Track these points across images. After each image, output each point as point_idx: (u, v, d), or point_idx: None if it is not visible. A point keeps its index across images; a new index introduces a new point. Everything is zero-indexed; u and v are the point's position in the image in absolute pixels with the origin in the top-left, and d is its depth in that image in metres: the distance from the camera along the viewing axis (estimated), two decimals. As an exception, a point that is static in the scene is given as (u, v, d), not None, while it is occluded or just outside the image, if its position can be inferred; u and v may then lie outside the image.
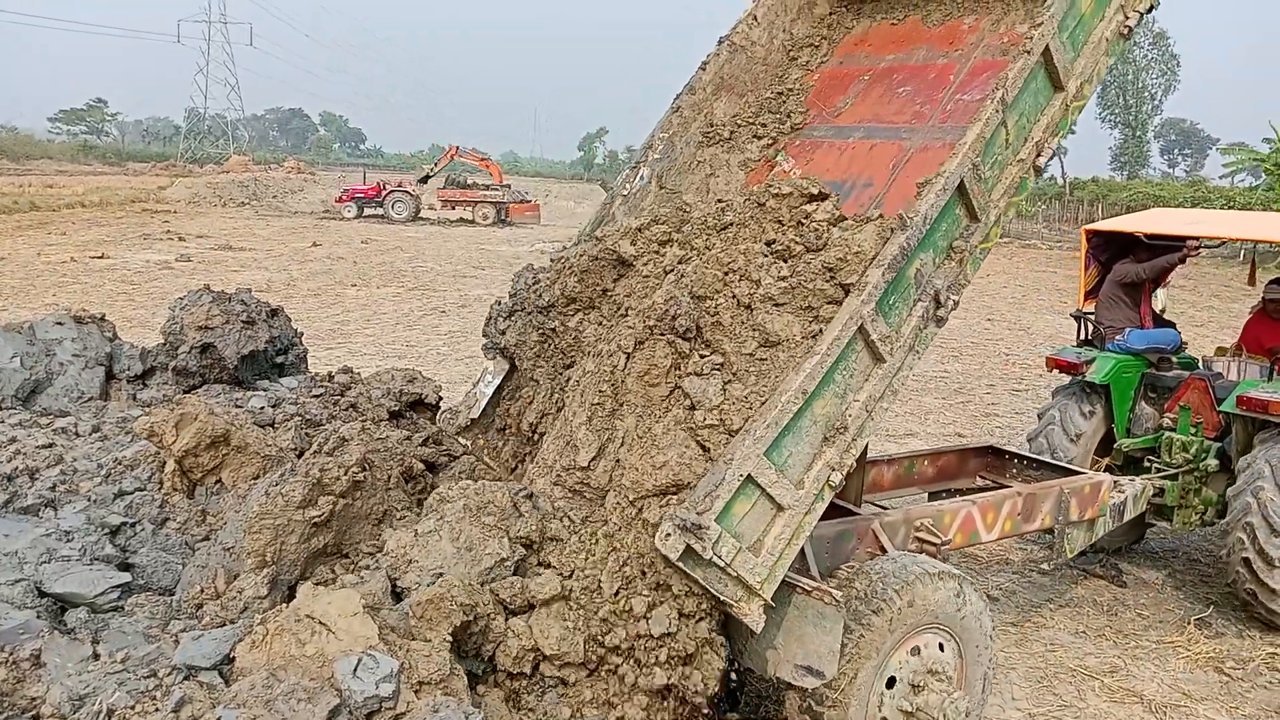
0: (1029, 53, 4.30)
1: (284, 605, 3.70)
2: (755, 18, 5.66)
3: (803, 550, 4.18)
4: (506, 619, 3.77)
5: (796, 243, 4.31)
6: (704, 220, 4.65)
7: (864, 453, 4.97)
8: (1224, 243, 9.39)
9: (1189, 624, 6.65)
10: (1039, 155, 4.52)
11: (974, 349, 16.79)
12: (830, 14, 5.92)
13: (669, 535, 3.60)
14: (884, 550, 4.72)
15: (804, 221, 4.36)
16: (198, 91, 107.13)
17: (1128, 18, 4.73)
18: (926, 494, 6.43)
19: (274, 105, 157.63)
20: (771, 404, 3.81)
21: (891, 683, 4.26)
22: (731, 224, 4.54)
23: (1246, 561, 6.38)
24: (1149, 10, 4.86)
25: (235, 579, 4.13)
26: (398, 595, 3.97)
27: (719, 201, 4.84)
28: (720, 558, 3.64)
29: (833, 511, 4.62)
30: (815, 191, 4.46)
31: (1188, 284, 26.93)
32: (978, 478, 6.63)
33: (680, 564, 3.64)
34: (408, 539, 3.96)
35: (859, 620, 4.12)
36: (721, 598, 3.74)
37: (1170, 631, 6.55)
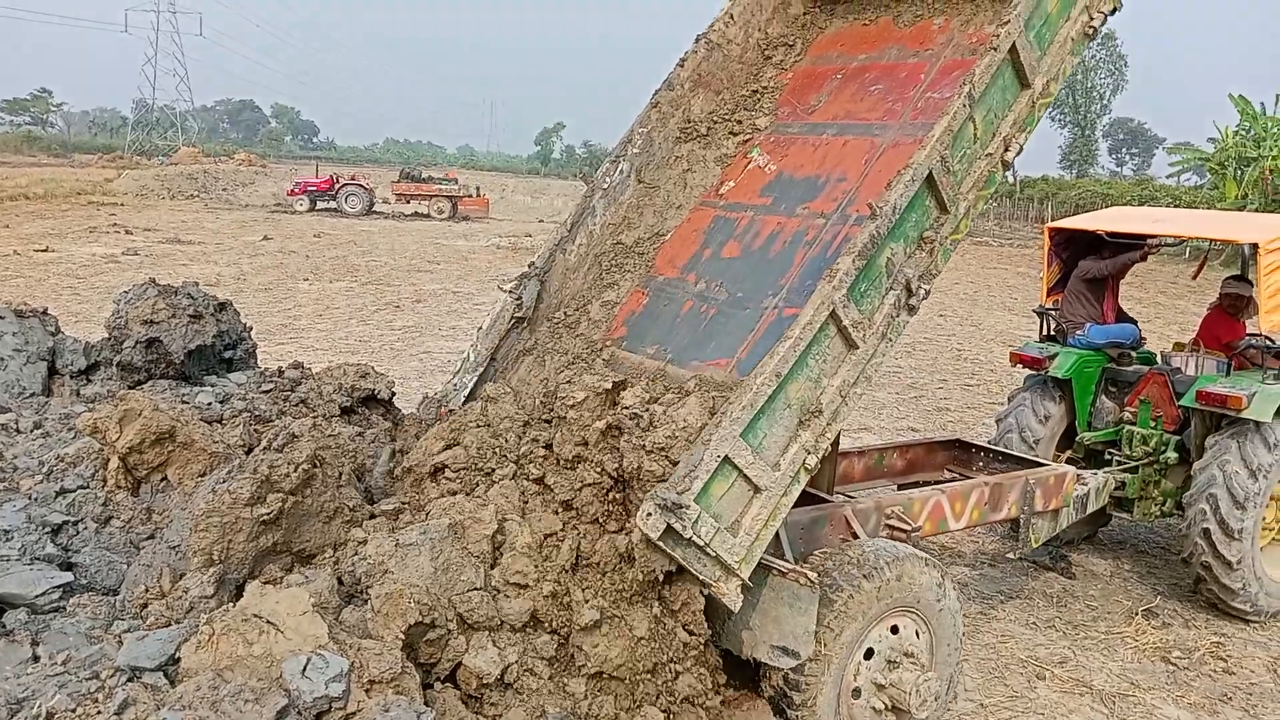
0: (996, 50, 4.42)
1: (231, 604, 3.63)
2: (732, 16, 5.76)
3: (777, 535, 4.27)
4: (468, 638, 3.75)
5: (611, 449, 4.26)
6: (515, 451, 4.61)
7: (836, 443, 5.06)
8: (1182, 241, 9.67)
9: (1137, 614, 6.75)
10: (1007, 150, 4.65)
11: (926, 345, 16.95)
12: (804, 14, 6.04)
13: (650, 515, 3.66)
14: (856, 537, 4.83)
15: (615, 420, 4.30)
16: (146, 82, 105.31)
17: (1092, 19, 4.88)
18: (896, 485, 6.53)
19: (224, 97, 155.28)
20: (746, 386, 3.88)
21: (870, 654, 4.41)
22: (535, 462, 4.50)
23: (1206, 533, 6.51)
24: (1113, 11, 4.98)
25: (181, 578, 4.05)
26: (353, 595, 3.93)
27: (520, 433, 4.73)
28: (699, 537, 3.72)
29: (805, 500, 4.71)
30: (610, 385, 4.50)
31: (1135, 280, 27.35)
32: (945, 470, 6.75)
33: (661, 543, 3.70)
34: (389, 547, 3.90)
35: (850, 583, 4.26)
36: (701, 577, 3.82)
37: (1119, 622, 6.65)
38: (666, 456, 3.96)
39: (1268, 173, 35.37)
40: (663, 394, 4.41)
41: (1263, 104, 38.36)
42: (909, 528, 5.04)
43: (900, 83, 5.28)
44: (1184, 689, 5.81)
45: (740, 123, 5.75)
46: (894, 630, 4.51)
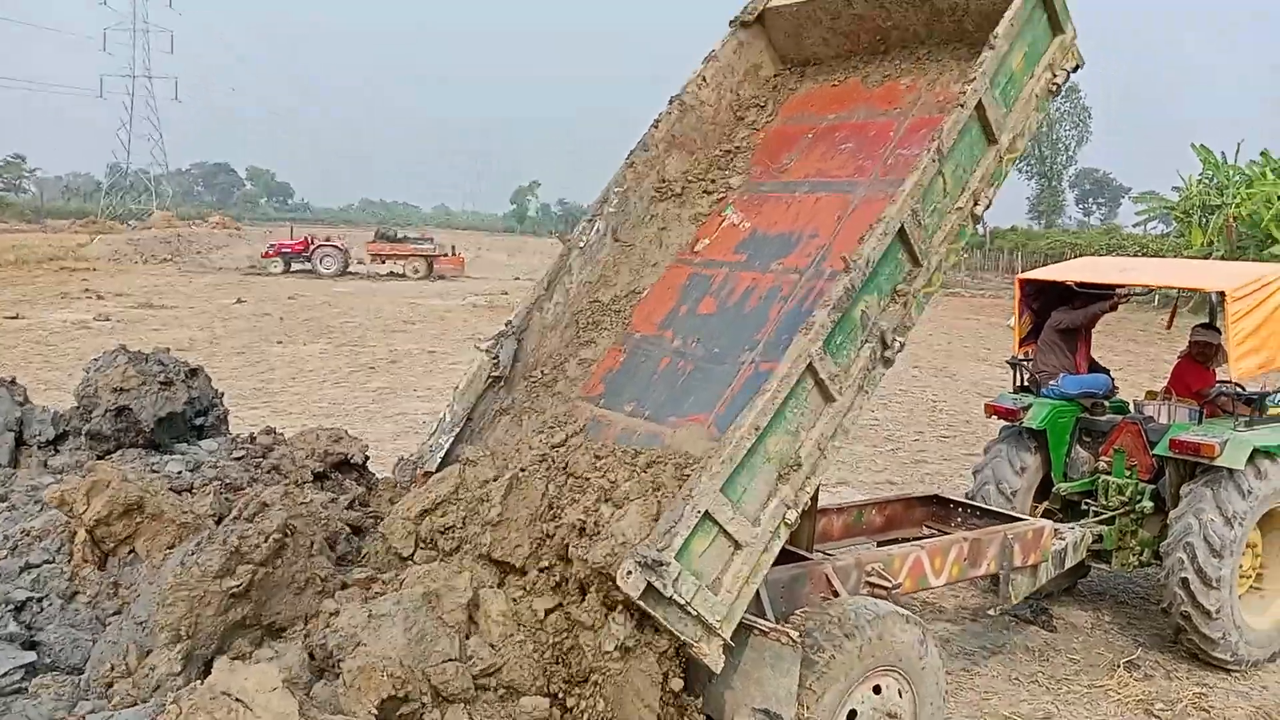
0: (963, 106, 4.51)
1: (199, 682, 3.54)
2: (704, 79, 5.87)
3: (758, 594, 4.22)
4: (443, 711, 3.68)
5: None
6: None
7: (815, 500, 5.06)
8: (1151, 290, 9.85)
9: (1119, 667, 6.72)
10: (976, 204, 4.73)
11: (902, 396, 17.02)
12: (774, 76, 6.14)
13: (630, 573, 3.61)
14: (836, 594, 4.79)
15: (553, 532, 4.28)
16: (120, 147, 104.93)
17: (1055, 75, 4.99)
18: (875, 543, 6.47)
19: (199, 160, 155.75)
20: (725, 440, 3.88)
21: (853, 716, 4.34)
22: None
23: (1184, 582, 6.50)
24: (1075, 69, 5.09)
25: (148, 655, 3.95)
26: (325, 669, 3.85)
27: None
28: (680, 595, 3.68)
29: (785, 558, 4.67)
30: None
31: (1104, 329, 27.55)
32: (924, 526, 6.74)
33: (641, 602, 3.64)
34: (361, 618, 3.83)
35: (832, 642, 4.21)
36: (682, 637, 3.76)
37: (1100, 675, 6.61)
38: (608, 574, 3.86)
39: (1231, 220, 36.02)
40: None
41: (1224, 153, 39.22)
42: (890, 584, 5.00)
43: (870, 141, 5.36)
44: (1169, 742, 5.77)
45: (714, 182, 5.83)
46: (876, 690, 4.45)
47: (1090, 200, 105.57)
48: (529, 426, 5.21)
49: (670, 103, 5.80)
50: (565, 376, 5.41)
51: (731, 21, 5.99)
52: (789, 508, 4.05)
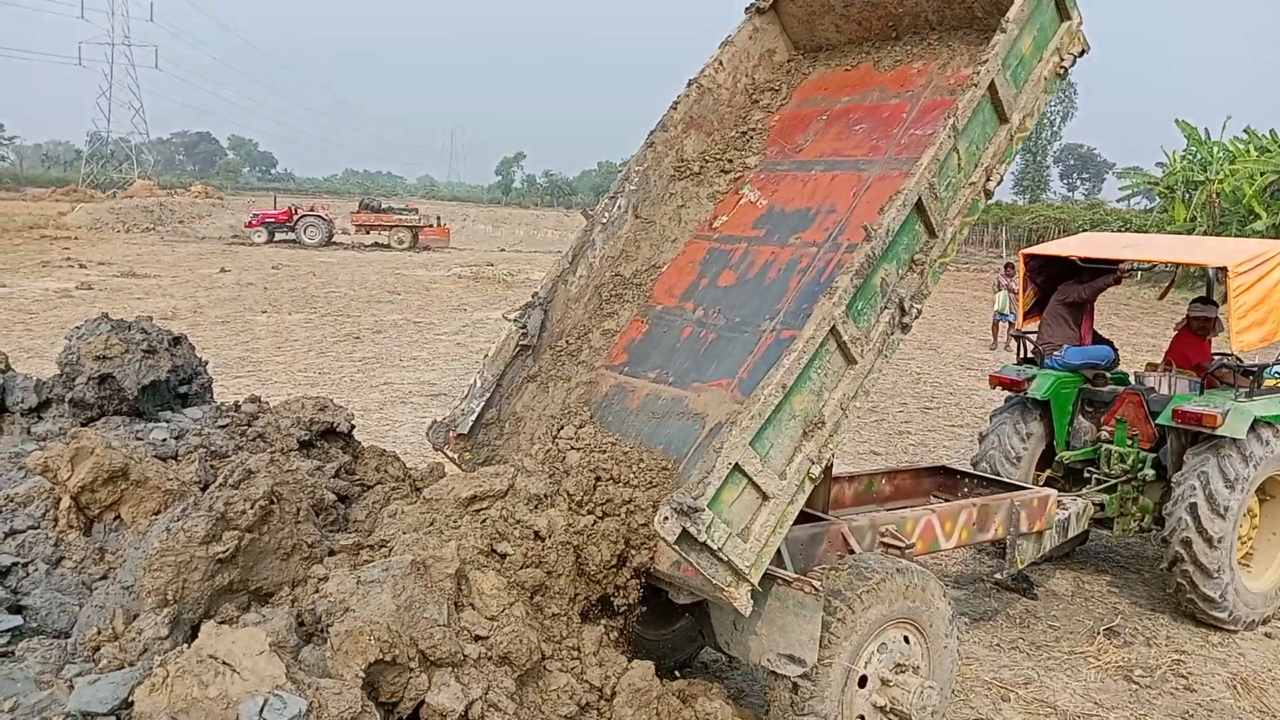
0: (976, 86, 4.73)
1: (186, 646, 3.55)
2: (720, 62, 6.08)
3: (779, 550, 4.48)
4: (430, 675, 3.71)
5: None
6: None
7: (830, 468, 5.33)
8: (1153, 266, 10.09)
9: (1099, 634, 6.81)
10: (989, 180, 4.98)
11: (885, 368, 17.07)
12: (788, 60, 6.36)
13: (666, 519, 3.78)
14: (852, 552, 5.03)
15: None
16: (100, 115, 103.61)
17: (1063, 59, 5.25)
18: (885, 510, 6.62)
19: (180, 129, 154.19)
20: (754, 398, 4.08)
21: (868, 664, 4.60)
22: None
23: (1187, 541, 6.75)
24: (1081, 53, 5.33)
25: (135, 619, 3.94)
26: (313, 634, 3.86)
27: None
28: (713, 541, 3.87)
29: (803, 519, 4.92)
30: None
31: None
32: (931, 496, 6.94)
33: (677, 547, 3.84)
34: (350, 584, 3.86)
35: (851, 595, 4.45)
36: (713, 582, 3.96)
37: (1081, 642, 6.70)
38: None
39: (1214, 195, 36.18)
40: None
41: (1207, 129, 39.32)
42: (903, 545, 5.25)
43: (883, 122, 5.55)
44: (1146, 707, 5.86)
45: (731, 161, 6.03)
46: (892, 641, 4.67)
47: (1075, 176, 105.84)
48: (555, 393, 5.45)
49: (688, 85, 5.99)
50: (589, 346, 5.62)
51: (747, 9, 6.21)
52: (813, 463, 4.27)
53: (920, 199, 4.55)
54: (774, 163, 5.88)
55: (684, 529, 3.78)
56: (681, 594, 4.58)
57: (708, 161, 6.04)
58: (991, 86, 4.79)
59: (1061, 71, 5.25)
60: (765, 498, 4.12)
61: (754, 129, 6.10)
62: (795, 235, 5.37)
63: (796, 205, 5.52)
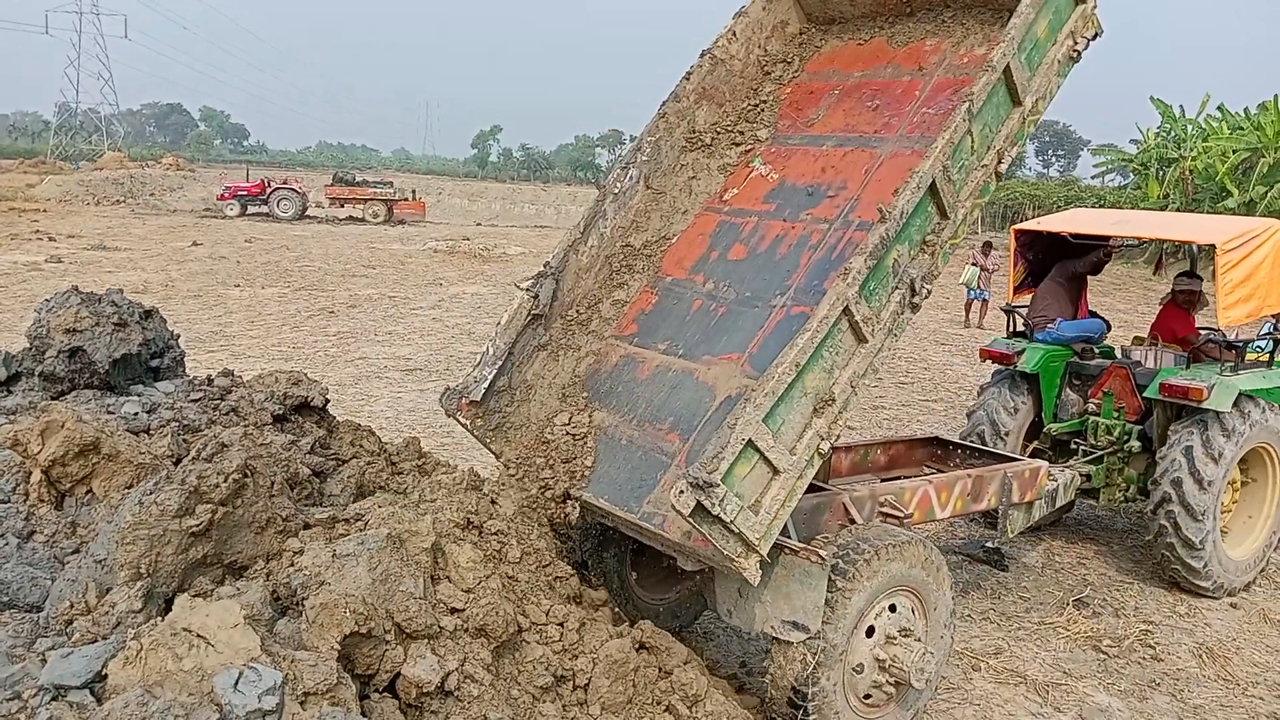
0: (992, 69, 4.74)
1: (160, 619, 3.54)
2: (734, 33, 6.07)
3: None
4: (406, 647, 3.72)
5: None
6: None
7: None
8: (1143, 242, 10.21)
9: (1068, 605, 6.91)
10: (1000, 162, 5.00)
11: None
12: (801, 33, 6.34)
13: (682, 492, 3.86)
14: (853, 522, 5.14)
15: None
16: (69, 85, 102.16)
17: (1077, 43, 5.26)
18: (880, 480, 6.75)
19: (151, 100, 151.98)
20: (768, 375, 4.14)
21: (870, 630, 4.75)
22: None
23: (1171, 514, 6.91)
24: (1094, 37, 5.34)
25: (107, 593, 3.92)
26: (288, 607, 3.85)
27: None
28: (725, 514, 3.96)
29: (806, 489, 5.00)
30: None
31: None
32: (924, 466, 7.06)
33: (691, 520, 3.92)
34: (325, 558, 3.86)
35: (853, 564, 4.57)
36: (724, 552, 4.06)
37: (1050, 613, 6.80)
38: None
39: (1188, 173, 36.44)
40: None
41: (1182, 107, 39.52)
42: (901, 514, 5.35)
43: (896, 99, 5.56)
44: (1114, 676, 5.96)
45: (742, 134, 6.05)
46: (893, 608, 4.79)
47: (1050, 153, 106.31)
48: (565, 361, 5.52)
49: (701, 56, 5.98)
50: (600, 316, 5.67)
51: None
52: (822, 439, 4.36)
53: (934, 181, 4.59)
54: (785, 136, 5.89)
55: (698, 502, 3.86)
56: (689, 561, 4.68)
57: (719, 133, 6.05)
58: (1007, 69, 4.83)
59: (1075, 55, 5.26)
60: (776, 472, 4.20)
61: (765, 101, 6.11)
62: (806, 211, 5.39)
63: (807, 180, 5.54)
